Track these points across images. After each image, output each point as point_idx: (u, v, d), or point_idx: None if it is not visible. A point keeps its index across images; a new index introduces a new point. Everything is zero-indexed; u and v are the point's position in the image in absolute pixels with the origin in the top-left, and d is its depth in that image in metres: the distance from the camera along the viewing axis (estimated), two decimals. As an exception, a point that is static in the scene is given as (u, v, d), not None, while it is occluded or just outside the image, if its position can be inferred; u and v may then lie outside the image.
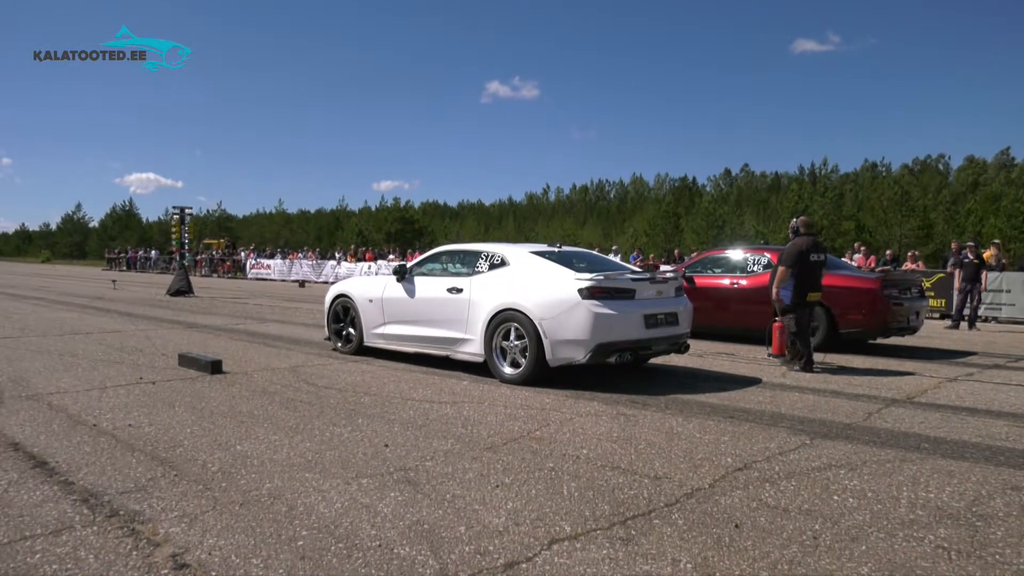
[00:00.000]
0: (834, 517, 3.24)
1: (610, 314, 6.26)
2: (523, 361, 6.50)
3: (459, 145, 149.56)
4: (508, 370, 6.63)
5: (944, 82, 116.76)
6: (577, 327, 6.23)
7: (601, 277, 6.40)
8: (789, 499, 3.49)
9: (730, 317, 10.20)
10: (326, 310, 8.70)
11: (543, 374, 6.44)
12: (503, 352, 6.70)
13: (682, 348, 7.04)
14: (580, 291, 6.28)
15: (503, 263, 7.02)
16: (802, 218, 8.26)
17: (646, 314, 6.51)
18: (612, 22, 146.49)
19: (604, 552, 2.83)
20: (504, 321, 6.65)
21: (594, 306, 6.23)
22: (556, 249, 7.36)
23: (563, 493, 3.53)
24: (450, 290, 7.16)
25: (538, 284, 6.57)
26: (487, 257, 7.19)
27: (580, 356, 6.27)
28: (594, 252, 8.81)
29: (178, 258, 21.22)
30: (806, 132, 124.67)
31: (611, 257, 13.38)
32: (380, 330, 7.95)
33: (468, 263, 7.34)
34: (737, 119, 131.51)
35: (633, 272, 7.02)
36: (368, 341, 8.12)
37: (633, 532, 3.04)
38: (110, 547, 2.82)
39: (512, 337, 6.61)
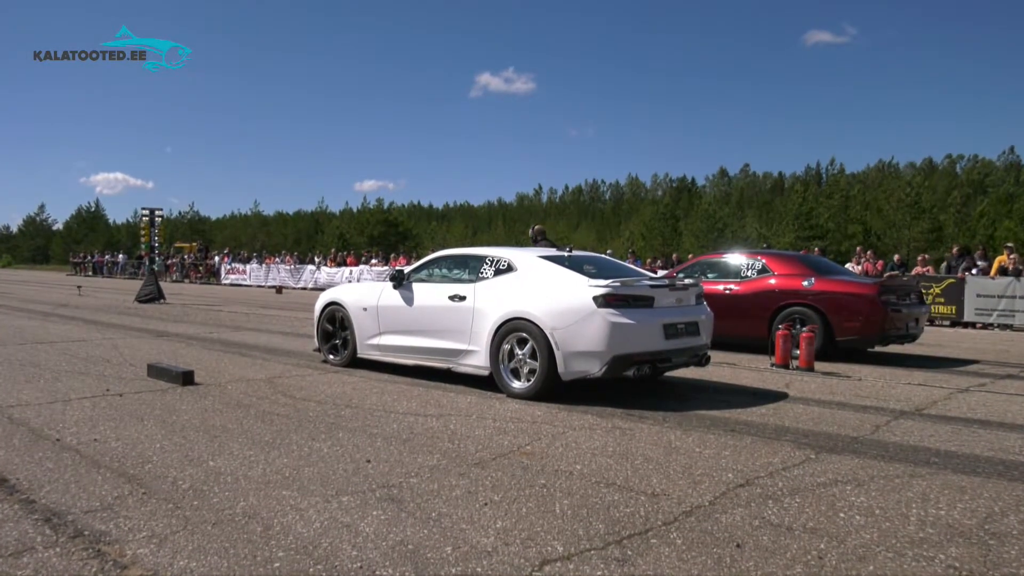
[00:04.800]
0: (840, 536, 3.26)
1: (628, 323, 6.14)
2: (533, 374, 6.41)
3: (447, 143, 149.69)
4: (516, 384, 6.52)
5: (960, 79, 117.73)
6: (592, 338, 6.11)
7: (618, 283, 6.29)
8: (793, 517, 3.50)
9: (724, 325, 10.26)
10: (316, 319, 8.60)
11: (555, 388, 6.35)
12: (511, 365, 6.60)
13: (703, 360, 6.92)
14: (595, 299, 6.15)
15: (510, 268, 6.92)
16: (540, 226, 11.46)
17: (665, 323, 6.41)
18: (613, 11, 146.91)
19: (599, 573, 2.83)
20: (512, 331, 6.54)
21: (611, 315, 6.11)
22: (567, 253, 7.29)
23: (555, 511, 3.53)
24: (452, 297, 7.07)
25: (549, 291, 6.48)
26: (492, 262, 7.10)
27: (595, 369, 6.17)
28: (606, 256, 8.82)
29: (147, 262, 21.14)
30: (812, 131, 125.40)
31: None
32: (375, 341, 7.85)
33: (471, 268, 7.23)
34: (741, 116, 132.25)
35: (651, 278, 6.95)
36: (362, 353, 8.02)
37: (629, 552, 3.04)
38: (74, 570, 2.80)
39: (521, 349, 6.52)
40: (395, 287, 7.67)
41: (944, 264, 19.11)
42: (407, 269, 7.87)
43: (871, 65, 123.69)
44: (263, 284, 34.60)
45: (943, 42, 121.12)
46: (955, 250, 19.24)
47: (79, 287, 26.60)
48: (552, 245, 9.22)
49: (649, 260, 28.50)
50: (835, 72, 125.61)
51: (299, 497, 3.68)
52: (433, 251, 9.17)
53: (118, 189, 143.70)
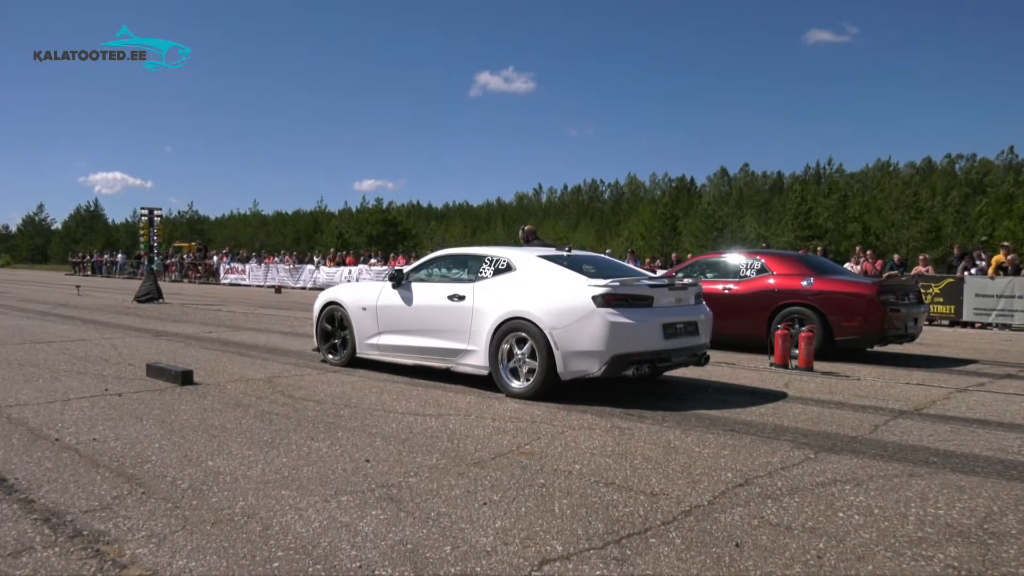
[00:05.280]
0: (839, 535, 3.26)
1: (627, 323, 6.16)
2: (532, 374, 6.42)
3: (446, 143, 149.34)
4: (515, 384, 6.53)
5: (960, 79, 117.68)
6: (591, 337, 6.13)
7: (617, 283, 6.30)
8: (792, 516, 3.50)
9: (723, 324, 10.25)
10: (315, 319, 8.60)
11: (554, 388, 6.36)
12: (510, 364, 6.61)
13: (702, 360, 6.93)
14: (594, 298, 6.17)
15: (509, 268, 6.93)
16: (531, 226, 10.91)
17: (664, 323, 6.43)
18: (613, 11, 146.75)
19: (598, 573, 2.83)
20: (511, 331, 6.55)
21: (610, 314, 6.12)
22: (566, 253, 7.30)
23: (554, 511, 3.53)
24: (451, 297, 7.08)
25: (548, 291, 6.50)
26: (491, 261, 7.10)
27: (594, 368, 6.18)
28: (605, 256, 8.82)
29: (146, 262, 21.13)
30: (812, 131, 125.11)
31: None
32: (374, 340, 7.85)
33: (471, 268, 7.24)
34: (741, 116, 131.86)
35: (650, 277, 6.99)
36: (361, 352, 8.02)
37: (628, 552, 3.05)
38: (73, 569, 2.80)
39: (520, 348, 6.54)
40: (394, 287, 7.67)
41: (962, 264, 18.64)
42: (406, 269, 7.87)
43: (871, 65, 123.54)
44: (262, 284, 34.56)
45: (943, 42, 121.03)
46: (956, 249, 19.23)
47: (78, 287, 26.57)
48: (544, 246, 9.22)
49: (648, 260, 28.50)
50: (835, 72, 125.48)
51: (298, 497, 3.68)
52: (432, 251, 9.16)
53: (117, 189, 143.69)
